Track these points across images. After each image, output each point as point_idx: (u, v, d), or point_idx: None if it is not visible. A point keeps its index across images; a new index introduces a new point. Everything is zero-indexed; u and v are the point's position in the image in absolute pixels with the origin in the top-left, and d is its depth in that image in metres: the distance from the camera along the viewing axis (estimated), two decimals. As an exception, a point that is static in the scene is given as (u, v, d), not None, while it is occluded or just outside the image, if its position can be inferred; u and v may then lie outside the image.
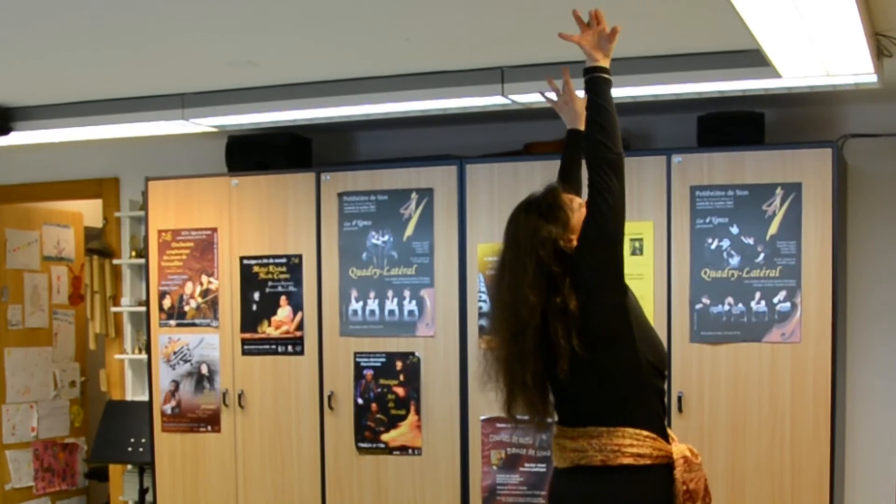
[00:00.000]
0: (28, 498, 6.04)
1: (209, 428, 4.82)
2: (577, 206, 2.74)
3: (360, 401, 4.59)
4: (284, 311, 4.70)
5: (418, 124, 4.84)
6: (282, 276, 4.69)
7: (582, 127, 2.77)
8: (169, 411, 4.88)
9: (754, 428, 4.10)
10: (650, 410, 2.69)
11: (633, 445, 2.64)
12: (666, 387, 2.82)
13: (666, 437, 2.70)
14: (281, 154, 4.83)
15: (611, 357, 2.65)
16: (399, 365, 4.54)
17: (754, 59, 3.44)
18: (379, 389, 4.57)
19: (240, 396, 4.77)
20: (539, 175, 4.32)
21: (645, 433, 2.65)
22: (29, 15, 3.16)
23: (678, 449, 2.70)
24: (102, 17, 3.20)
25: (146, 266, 4.95)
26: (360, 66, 3.96)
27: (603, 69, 2.68)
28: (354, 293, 4.59)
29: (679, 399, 4.16)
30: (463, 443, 4.46)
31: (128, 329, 5.53)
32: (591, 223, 2.63)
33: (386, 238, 4.55)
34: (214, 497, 4.83)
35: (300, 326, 4.68)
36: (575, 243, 2.67)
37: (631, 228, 4.23)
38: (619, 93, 3.92)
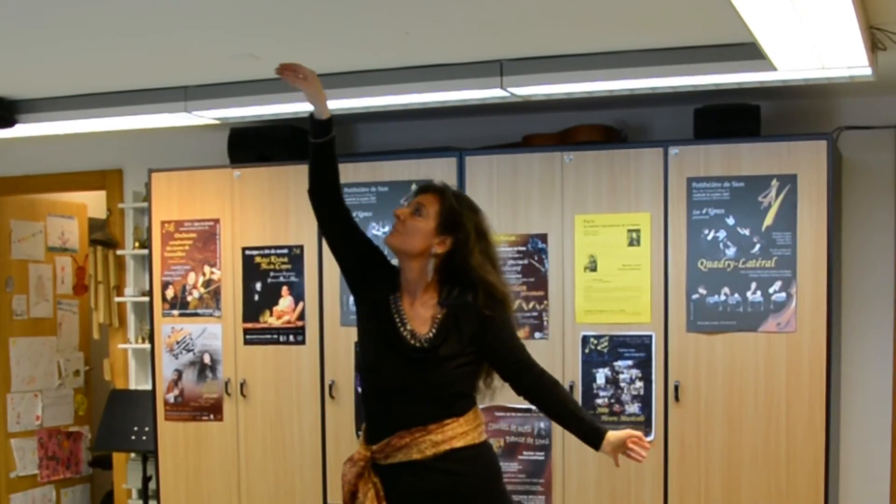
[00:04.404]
0: (33, 486, 6.09)
1: (211, 417, 4.87)
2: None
3: (360, 389, 4.63)
4: (286, 301, 4.74)
5: (418, 116, 4.87)
6: (283, 266, 4.74)
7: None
8: (172, 400, 4.92)
9: (750, 417, 4.14)
10: (365, 411, 3.05)
11: None
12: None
13: (371, 439, 2.97)
14: (282, 146, 4.86)
15: None
16: (399, 354, 4.58)
17: (750, 52, 3.46)
18: (379, 378, 4.61)
19: (242, 385, 4.81)
20: (538, 167, 4.39)
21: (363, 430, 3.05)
22: (32, 8, 3.19)
23: (359, 448, 3.01)
24: (105, 11, 3.24)
25: (149, 256, 5.00)
26: (360, 59, 3.99)
27: (315, 128, 2.96)
28: (355, 283, 4.63)
29: (676, 388, 4.21)
30: (462, 431, 4.51)
31: (131, 319, 5.57)
32: None
33: (387, 229, 4.59)
34: (217, 485, 4.88)
35: (301, 316, 4.72)
36: None
37: (628, 220, 4.29)
38: (617, 86, 4.02)
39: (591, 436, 2.98)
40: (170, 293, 4.91)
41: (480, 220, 3.02)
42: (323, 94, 2.97)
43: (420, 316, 2.97)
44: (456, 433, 2.92)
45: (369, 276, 3.05)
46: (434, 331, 2.94)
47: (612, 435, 2.96)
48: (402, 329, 2.95)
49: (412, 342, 2.93)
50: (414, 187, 3.06)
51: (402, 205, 3.04)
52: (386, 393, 2.95)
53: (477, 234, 2.98)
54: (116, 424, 5.31)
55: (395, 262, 3.11)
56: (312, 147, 2.99)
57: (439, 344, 2.92)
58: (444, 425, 2.91)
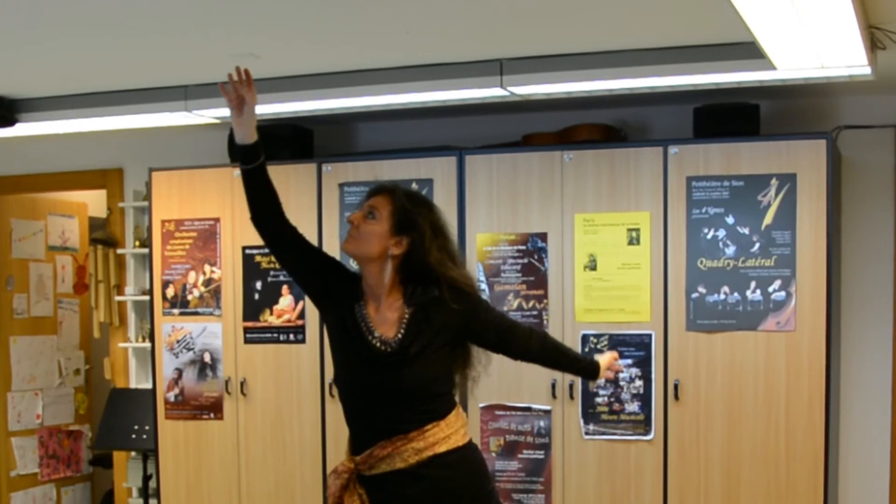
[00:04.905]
0: (33, 484, 6.10)
1: (212, 415, 4.88)
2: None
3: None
4: (286, 300, 4.75)
5: (418, 116, 4.88)
6: (284, 265, 4.74)
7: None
8: (172, 399, 4.93)
9: (749, 415, 4.15)
10: (346, 423, 3.00)
11: None
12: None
13: (354, 451, 2.94)
14: (282, 145, 4.87)
15: None
16: (399, 353, 4.58)
17: (750, 51, 3.47)
18: (379, 377, 4.61)
19: (242, 384, 4.82)
20: (537, 166, 4.40)
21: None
22: (33, 8, 3.20)
23: (344, 460, 2.97)
24: (106, 11, 3.24)
25: (150, 255, 5.00)
26: (360, 58, 3.99)
27: (246, 153, 2.90)
28: (355, 282, 4.63)
29: (675, 387, 4.21)
30: (462, 430, 4.51)
31: (131, 318, 5.57)
32: None
33: (386, 228, 4.59)
34: (217, 483, 4.89)
35: (301, 315, 4.73)
36: None
37: (628, 219, 4.29)
38: (617, 85, 4.02)
39: (589, 370, 3.22)
40: (170, 292, 4.92)
41: (435, 217, 2.97)
42: (254, 115, 2.90)
43: (387, 320, 2.92)
44: (437, 438, 2.88)
45: (330, 289, 2.99)
46: (402, 332, 2.89)
47: (602, 362, 3.21)
48: (369, 337, 2.90)
49: (382, 348, 2.88)
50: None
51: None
52: (364, 403, 2.91)
53: (433, 230, 2.92)
54: (117, 423, 5.32)
55: (356, 266, 3.04)
56: (247, 174, 2.92)
57: (409, 343, 2.88)
58: (424, 431, 2.86)
